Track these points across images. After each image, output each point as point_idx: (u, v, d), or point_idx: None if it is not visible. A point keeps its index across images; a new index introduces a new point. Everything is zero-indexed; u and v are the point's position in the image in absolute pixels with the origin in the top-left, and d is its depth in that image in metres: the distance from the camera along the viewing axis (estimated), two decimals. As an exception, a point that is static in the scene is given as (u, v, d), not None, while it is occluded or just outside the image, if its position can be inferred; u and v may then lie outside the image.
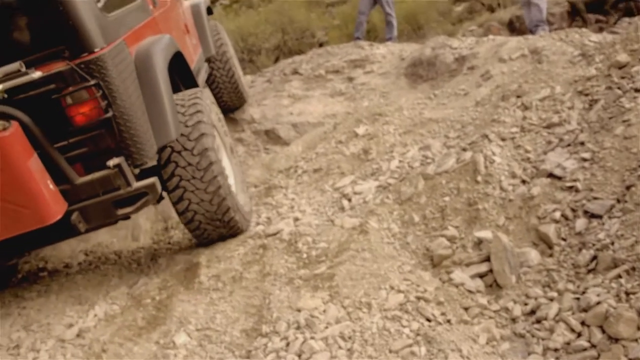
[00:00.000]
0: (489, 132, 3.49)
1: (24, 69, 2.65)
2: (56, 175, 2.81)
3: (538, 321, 2.26)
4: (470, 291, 2.51)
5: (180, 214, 3.49)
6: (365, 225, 3.20)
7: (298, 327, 2.51)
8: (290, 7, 12.17)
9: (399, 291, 2.57)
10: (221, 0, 14.99)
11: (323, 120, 5.66)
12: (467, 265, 2.67)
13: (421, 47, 5.77)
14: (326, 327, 2.47)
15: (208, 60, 5.58)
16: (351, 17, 11.34)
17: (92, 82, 2.74)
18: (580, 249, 2.47)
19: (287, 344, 2.41)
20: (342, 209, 3.56)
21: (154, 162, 3.25)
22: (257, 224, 3.94)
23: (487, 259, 2.62)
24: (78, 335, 3.16)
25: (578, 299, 2.23)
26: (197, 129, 3.36)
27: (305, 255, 3.19)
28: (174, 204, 3.47)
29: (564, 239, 2.58)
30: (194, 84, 4.18)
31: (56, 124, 2.79)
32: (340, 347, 2.30)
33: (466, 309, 2.44)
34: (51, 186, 2.75)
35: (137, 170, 3.13)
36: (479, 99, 4.23)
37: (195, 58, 4.90)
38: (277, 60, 11.75)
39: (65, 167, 2.86)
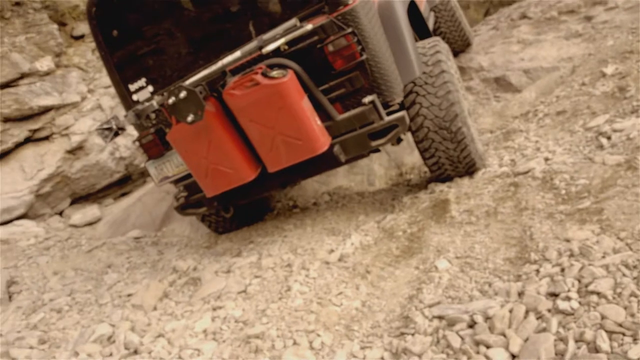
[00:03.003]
0: None
1: (299, 24, 3.14)
2: (321, 114, 3.27)
3: None
4: None
5: (418, 142, 3.75)
6: (633, 162, 3.00)
7: (571, 255, 2.47)
8: (502, -44, 11.52)
9: (689, 224, 2.39)
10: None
11: (558, 64, 5.35)
12: None
13: (679, -25, 5.12)
14: (603, 257, 2.39)
15: (433, 10, 5.68)
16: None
17: (349, 30, 3.13)
18: None
19: (562, 270, 2.39)
20: (601, 146, 3.37)
21: (401, 98, 3.55)
22: (501, 165, 3.91)
23: None
24: (340, 260, 3.47)
25: None
26: (437, 66, 3.63)
27: (563, 192, 3.09)
28: (414, 132, 3.71)
29: None
30: (427, 31, 4.46)
31: (320, 70, 3.24)
32: (624, 275, 2.22)
33: None
34: (319, 122, 3.20)
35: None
36: None
37: (422, 7, 5.05)
38: (486, 13, 11.29)
39: (329, 106, 3.31)
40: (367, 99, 3.28)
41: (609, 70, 4.33)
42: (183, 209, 4.12)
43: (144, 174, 6.92)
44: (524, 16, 6.09)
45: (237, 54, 3.38)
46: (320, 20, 3.18)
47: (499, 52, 5.79)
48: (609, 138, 3.40)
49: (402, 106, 3.63)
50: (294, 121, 3.07)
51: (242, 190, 3.64)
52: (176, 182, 4.03)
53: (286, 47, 3.20)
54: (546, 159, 3.56)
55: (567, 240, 2.61)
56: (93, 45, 7.19)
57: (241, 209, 4.60)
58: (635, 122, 3.38)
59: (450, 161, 3.77)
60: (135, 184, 6.95)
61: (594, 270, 2.28)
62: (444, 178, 3.99)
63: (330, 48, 3.17)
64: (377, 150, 3.60)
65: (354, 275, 3.23)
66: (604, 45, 5.04)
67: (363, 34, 3.22)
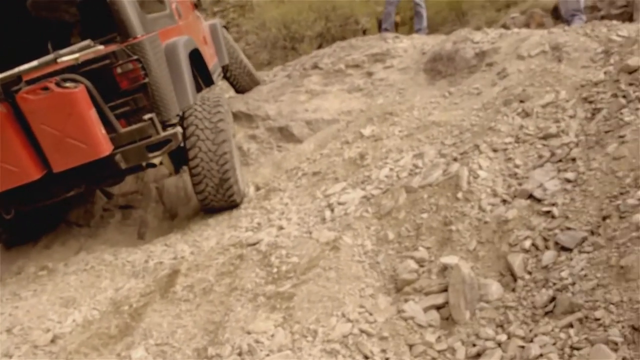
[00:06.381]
0: (481, 142, 3.23)
1: (92, 44, 3.56)
2: (108, 127, 3.71)
3: (478, 368, 2.05)
4: (420, 325, 2.31)
5: (191, 168, 4.27)
6: (338, 241, 3.04)
7: (240, 354, 2.41)
8: (334, -6, 11.88)
9: (349, 320, 2.42)
10: (267, -12, 14.81)
11: (338, 117, 5.49)
12: (427, 294, 2.47)
13: (442, 41, 5.46)
14: (267, 355, 2.35)
15: (225, 67, 5.96)
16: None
17: (135, 57, 3.71)
18: (543, 286, 2.22)
19: (224, 372, 2.32)
20: (324, 220, 3.41)
21: (176, 120, 4.15)
22: (247, 229, 3.86)
23: (447, 289, 2.41)
24: (52, 341, 3.19)
25: (523, 347, 2.00)
26: (216, 109, 4.29)
27: (275, 270, 3.07)
28: (190, 160, 4.25)
29: (530, 272, 2.32)
30: (211, 81, 5.17)
31: (110, 89, 3.70)
32: (272, 381, 2.19)
33: (411, 346, 2.24)
34: (103, 131, 3.65)
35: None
36: (485, 101, 3.93)
37: (211, 64, 5.58)
38: (319, 47, 11.55)
39: (113, 120, 3.77)
40: (146, 116, 3.79)
41: (367, 131, 4.46)
42: None
43: None
44: (315, 66, 6.20)
45: (34, 63, 3.60)
46: (112, 47, 3.69)
47: (287, 101, 5.82)
48: (332, 211, 3.45)
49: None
50: (81, 126, 3.47)
51: (27, 194, 3.87)
52: None
53: (79, 61, 3.54)
54: (279, 229, 3.54)
55: (249, 333, 2.55)
56: None
57: (26, 220, 4.70)
58: (357, 195, 3.46)
59: (214, 186, 4.24)
60: None
61: (244, 376, 2.22)
62: (210, 209, 4.44)
63: (119, 70, 3.69)
64: (153, 165, 4.14)
65: (53, 364, 2.96)
66: (375, 102, 5.23)
67: (147, 63, 3.78)
